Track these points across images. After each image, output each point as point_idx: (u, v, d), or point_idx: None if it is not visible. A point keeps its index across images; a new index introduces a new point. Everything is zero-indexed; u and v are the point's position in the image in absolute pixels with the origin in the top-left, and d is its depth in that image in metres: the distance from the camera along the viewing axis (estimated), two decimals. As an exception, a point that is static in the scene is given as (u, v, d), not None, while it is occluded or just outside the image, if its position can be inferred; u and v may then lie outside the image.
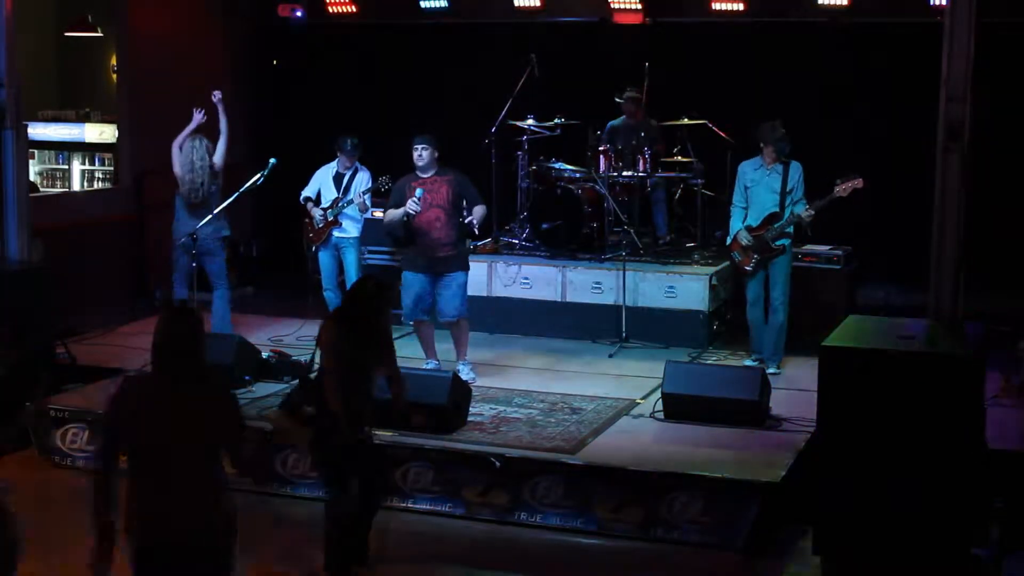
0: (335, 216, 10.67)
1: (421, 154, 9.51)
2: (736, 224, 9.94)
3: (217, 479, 4.90)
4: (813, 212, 9.65)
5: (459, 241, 9.66)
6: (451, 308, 9.63)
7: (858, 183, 9.54)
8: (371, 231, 11.24)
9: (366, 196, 10.52)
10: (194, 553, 4.80)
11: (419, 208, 9.42)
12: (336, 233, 10.73)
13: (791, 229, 9.82)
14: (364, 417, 6.64)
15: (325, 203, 10.80)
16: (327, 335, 6.60)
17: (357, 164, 10.84)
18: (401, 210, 9.51)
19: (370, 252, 11.42)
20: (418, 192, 9.45)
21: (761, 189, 9.82)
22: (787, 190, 9.73)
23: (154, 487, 4.80)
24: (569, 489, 7.71)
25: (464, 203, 9.57)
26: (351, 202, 10.60)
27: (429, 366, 9.68)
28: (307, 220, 10.92)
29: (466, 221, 9.52)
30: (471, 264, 9.99)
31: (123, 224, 12.96)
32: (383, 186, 10.46)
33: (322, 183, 10.90)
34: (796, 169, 9.77)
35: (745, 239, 9.84)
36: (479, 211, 9.60)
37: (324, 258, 10.89)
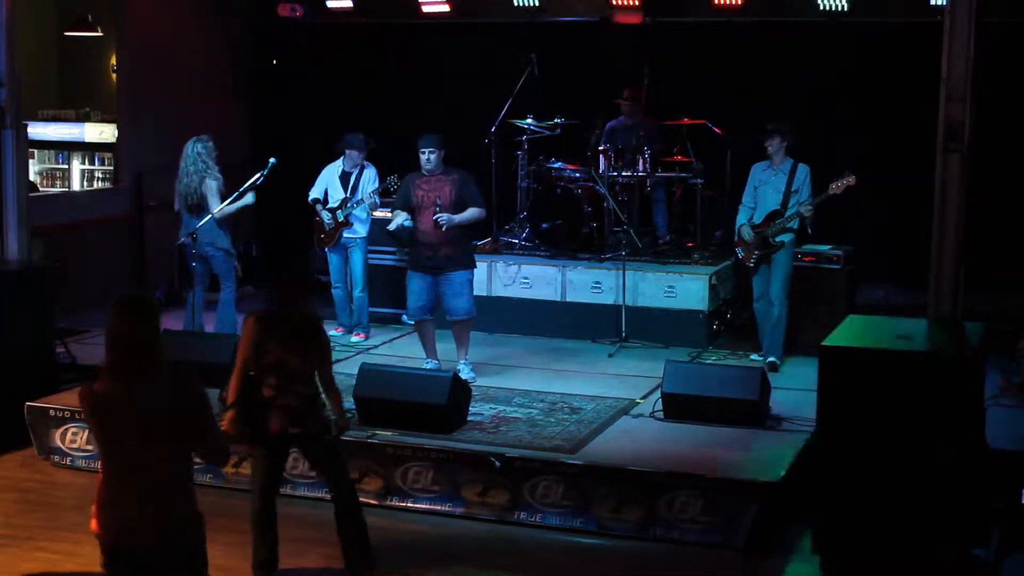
0: (345, 217, 10.67)
1: (429, 157, 9.51)
2: (741, 221, 10.10)
3: (183, 477, 4.84)
4: (812, 207, 9.77)
5: (460, 239, 9.64)
6: (459, 307, 9.63)
7: (851, 180, 9.71)
8: (377, 231, 11.27)
9: (375, 195, 10.53)
10: (162, 553, 4.75)
11: (408, 231, 9.50)
12: (345, 233, 10.76)
13: (794, 224, 9.87)
14: (300, 414, 6.62)
15: (333, 203, 10.79)
16: (244, 330, 6.68)
17: (363, 162, 10.84)
18: (397, 223, 9.56)
19: (375, 252, 11.42)
20: (407, 224, 9.52)
21: (767, 188, 10.02)
22: (792, 190, 9.89)
23: (121, 486, 4.76)
24: (569, 489, 7.71)
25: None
26: (360, 202, 10.61)
27: (429, 366, 9.68)
28: (316, 220, 10.92)
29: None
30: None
31: (123, 224, 12.96)
32: (392, 186, 10.47)
33: (328, 183, 10.90)
34: (803, 171, 9.94)
35: (747, 235, 10.01)
36: (469, 213, 9.54)
37: (332, 257, 10.93)
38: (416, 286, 9.64)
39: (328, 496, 7.03)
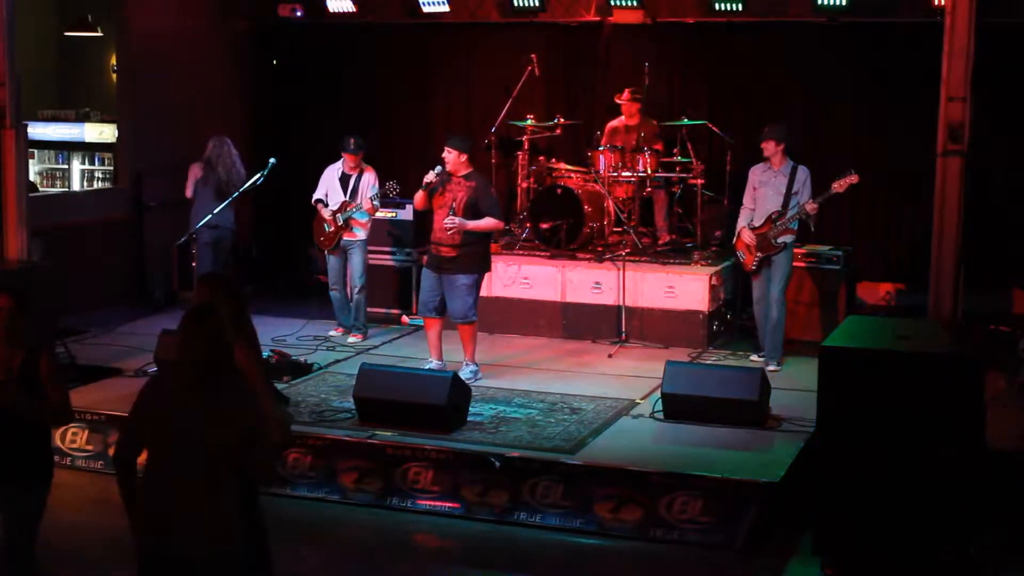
0: (345, 221, 10.69)
1: (446, 157, 9.53)
2: (741, 224, 10.08)
3: (231, 485, 4.82)
4: (816, 205, 9.76)
5: (469, 242, 9.56)
6: (455, 309, 9.62)
7: (853, 179, 9.72)
8: (376, 232, 11.26)
9: (375, 200, 10.54)
10: (199, 560, 4.74)
11: (434, 179, 9.46)
12: (345, 236, 10.78)
13: (795, 225, 9.87)
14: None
15: (333, 206, 10.81)
16: None
17: (363, 165, 10.86)
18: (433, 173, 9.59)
19: (374, 253, 11.42)
20: (437, 169, 9.49)
21: (768, 190, 9.97)
22: (792, 191, 9.85)
23: (164, 490, 4.75)
24: (569, 489, 7.70)
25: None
26: (360, 207, 10.62)
27: (429, 366, 9.67)
28: (317, 221, 10.93)
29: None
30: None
31: (123, 224, 12.95)
32: (391, 191, 10.45)
33: (329, 185, 10.92)
34: (803, 172, 9.92)
35: (748, 237, 9.97)
36: (484, 222, 9.53)
37: (331, 260, 10.94)
38: (425, 283, 9.69)
39: (329, 497, 6.97)
